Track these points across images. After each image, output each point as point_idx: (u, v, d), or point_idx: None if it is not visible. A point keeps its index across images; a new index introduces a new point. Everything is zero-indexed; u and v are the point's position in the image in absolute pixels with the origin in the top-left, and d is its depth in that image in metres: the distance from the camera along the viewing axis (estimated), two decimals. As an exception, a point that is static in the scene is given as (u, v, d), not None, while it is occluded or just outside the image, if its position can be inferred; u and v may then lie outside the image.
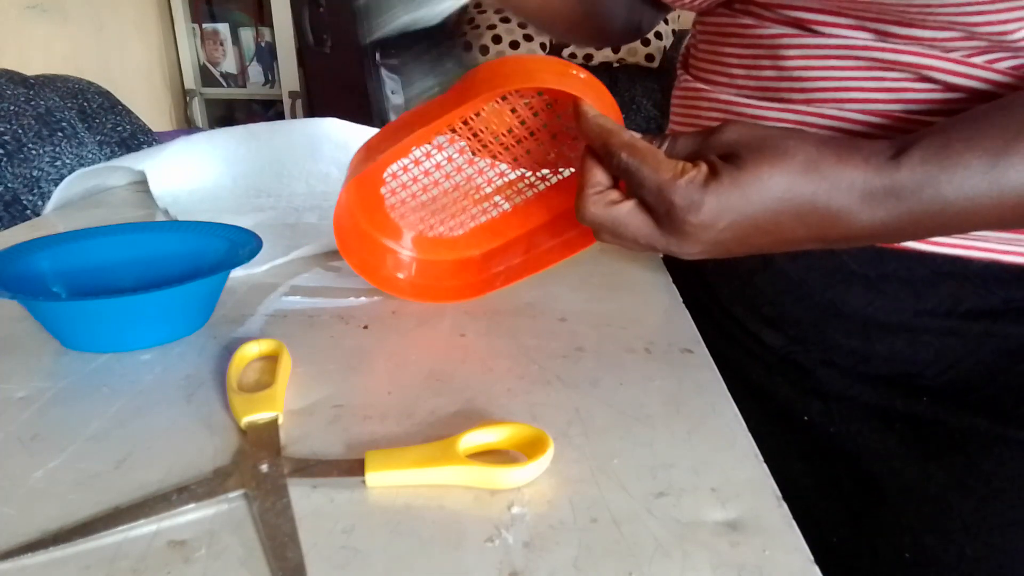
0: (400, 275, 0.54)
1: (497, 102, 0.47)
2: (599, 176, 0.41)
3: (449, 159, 0.51)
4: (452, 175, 0.52)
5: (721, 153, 0.39)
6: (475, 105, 0.46)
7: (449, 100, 0.44)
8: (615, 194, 0.40)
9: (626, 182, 0.40)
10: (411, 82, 0.58)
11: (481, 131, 0.48)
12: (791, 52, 0.49)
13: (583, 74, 0.43)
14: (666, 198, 0.38)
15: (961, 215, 0.38)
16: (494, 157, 0.50)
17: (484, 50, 3.07)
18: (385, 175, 0.52)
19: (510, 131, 0.48)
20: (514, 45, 3.06)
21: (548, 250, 0.52)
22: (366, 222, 0.53)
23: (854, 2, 0.44)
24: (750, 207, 0.38)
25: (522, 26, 2.70)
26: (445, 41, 0.58)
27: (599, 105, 0.42)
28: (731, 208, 0.38)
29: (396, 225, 0.54)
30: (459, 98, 0.44)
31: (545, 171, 0.52)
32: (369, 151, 0.47)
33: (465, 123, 0.48)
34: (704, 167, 0.38)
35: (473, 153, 0.50)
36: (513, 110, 0.47)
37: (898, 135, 0.46)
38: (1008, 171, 0.36)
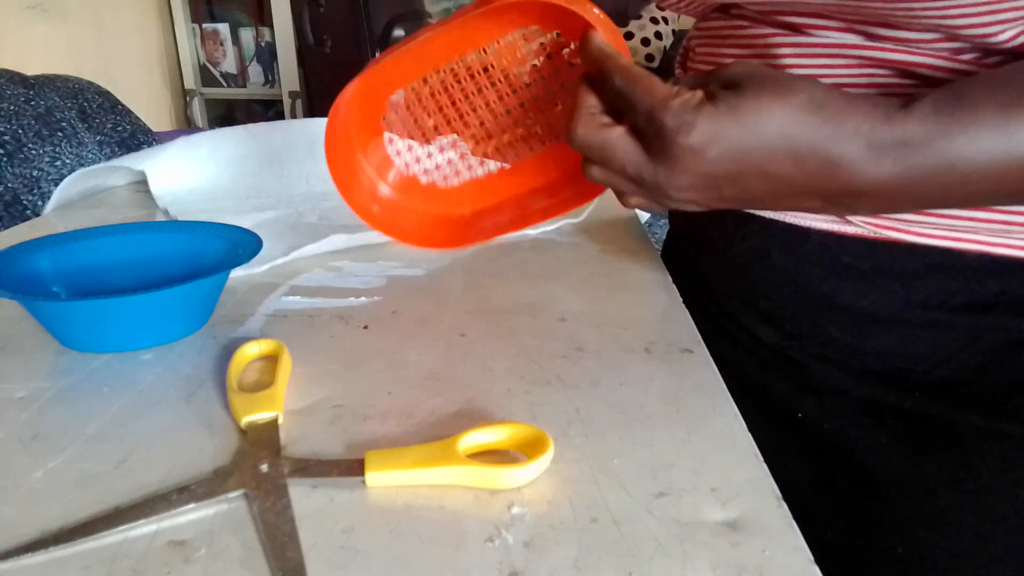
0: (374, 208, 0.53)
1: (514, 36, 0.46)
2: (592, 100, 0.39)
3: (453, 97, 0.50)
4: (453, 117, 0.50)
5: (724, 84, 0.37)
6: (500, 23, 0.45)
7: (470, 15, 0.43)
8: (607, 118, 0.39)
9: (620, 107, 0.38)
10: None
11: (492, 66, 0.47)
12: (783, 51, 0.49)
13: (603, 15, 0.41)
14: (657, 117, 0.36)
15: (970, 175, 0.36)
16: (500, 99, 0.49)
17: (484, 50, 3.06)
18: (392, 99, 0.50)
19: (521, 71, 0.47)
20: (514, 45, 3.06)
21: (541, 209, 0.50)
22: (359, 141, 0.52)
23: (841, 7, 0.45)
24: (745, 138, 0.35)
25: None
26: None
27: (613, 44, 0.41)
28: (724, 135, 0.35)
29: (388, 159, 0.53)
30: (483, 12, 0.42)
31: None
32: (380, 56, 0.46)
33: (481, 56, 0.47)
34: (700, 92, 0.36)
35: (479, 92, 0.49)
36: (527, 48, 0.46)
37: None
38: (1022, 128, 0.35)
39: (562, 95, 0.48)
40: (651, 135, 0.37)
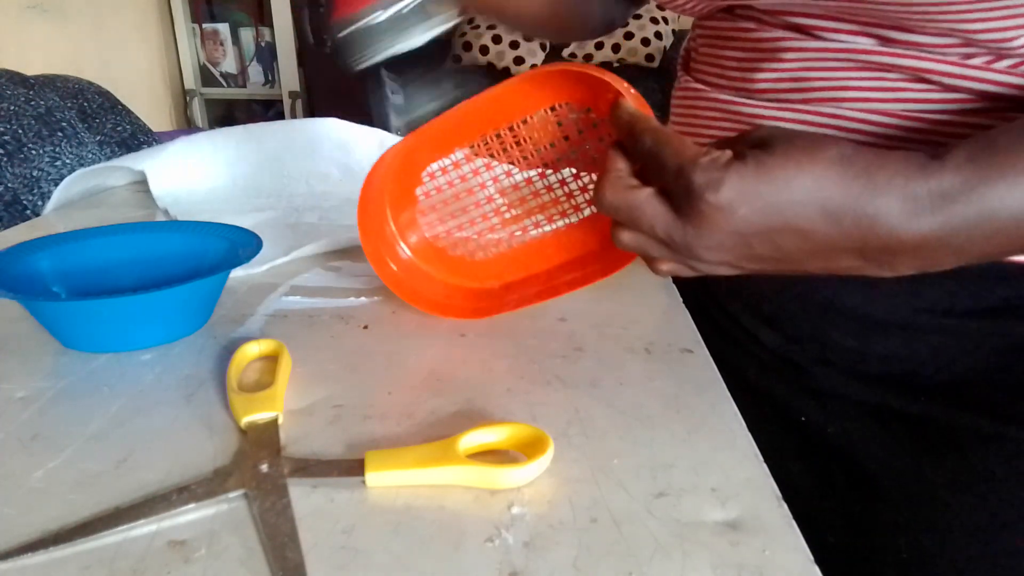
0: (395, 268, 0.53)
1: (547, 111, 0.47)
2: (621, 163, 0.39)
3: (487, 166, 0.51)
4: (487, 184, 0.51)
5: (752, 144, 0.36)
6: (532, 99, 0.46)
7: (508, 93, 0.45)
8: (635, 180, 0.38)
9: (649, 167, 0.38)
10: (412, 94, 0.58)
11: (525, 140, 0.48)
12: (789, 55, 0.49)
13: (634, 90, 0.43)
14: (686, 175, 0.35)
15: (1015, 223, 0.34)
16: (531, 169, 0.50)
17: (484, 50, 3.07)
18: (423, 174, 0.51)
19: (552, 145, 0.48)
20: (514, 45, 3.06)
21: (568, 281, 0.50)
22: (391, 205, 0.52)
23: (855, 9, 0.45)
24: (776, 194, 0.35)
25: (522, 26, 2.70)
26: (438, 56, 0.58)
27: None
28: (754, 192, 0.34)
29: (415, 224, 0.53)
30: (522, 92, 0.44)
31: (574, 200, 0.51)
32: (418, 130, 0.47)
33: (511, 129, 0.48)
34: (729, 151, 0.36)
35: (513, 163, 0.50)
36: (560, 123, 0.47)
37: (897, 132, 0.46)
38: None
39: (591, 169, 0.49)
40: (680, 194, 0.36)
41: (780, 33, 0.50)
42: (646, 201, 0.37)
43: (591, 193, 0.50)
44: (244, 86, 3.10)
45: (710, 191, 0.35)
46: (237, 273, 0.57)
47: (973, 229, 0.34)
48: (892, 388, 0.51)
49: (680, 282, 0.56)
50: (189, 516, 0.31)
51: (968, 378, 0.49)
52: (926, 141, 0.46)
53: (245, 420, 0.37)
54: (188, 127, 3.00)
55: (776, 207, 0.35)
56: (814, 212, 0.35)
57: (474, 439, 0.35)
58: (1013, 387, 0.48)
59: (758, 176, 0.34)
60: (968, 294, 0.48)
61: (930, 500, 0.47)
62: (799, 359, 0.54)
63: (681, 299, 0.54)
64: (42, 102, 1.48)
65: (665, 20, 3.03)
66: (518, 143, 0.49)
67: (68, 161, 1.44)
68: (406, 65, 0.56)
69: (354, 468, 0.33)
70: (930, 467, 0.48)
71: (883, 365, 0.51)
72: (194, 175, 0.82)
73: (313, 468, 0.34)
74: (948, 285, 0.48)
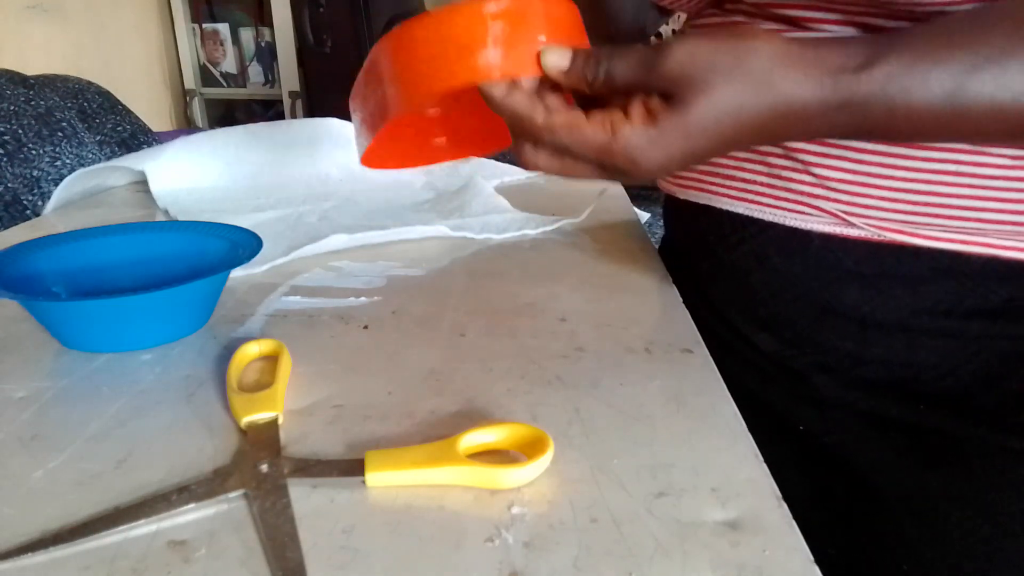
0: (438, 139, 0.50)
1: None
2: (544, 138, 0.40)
3: None
4: None
5: (663, 90, 0.37)
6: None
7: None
8: (557, 160, 0.40)
9: (567, 153, 0.39)
10: None
11: None
12: None
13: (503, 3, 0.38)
14: (609, 162, 0.38)
15: (911, 127, 0.38)
16: None
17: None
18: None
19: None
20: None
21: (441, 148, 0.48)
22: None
23: None
24: (699, 145, 0.37)
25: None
26: None
27: (541, 24, 0.39)
28: (680, 152, 0.37)
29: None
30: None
31: None
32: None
33: None
34: (639, 112, 0.37)
35: None
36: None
37: None
38: (967, 91, 0.36)
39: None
40: (609, 168, 0.39)
41: (770, 26, 0.49)
42: (577, 168, 0.40)
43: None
44: (244, 86, 3.10)
45: (638, 167, 0.37)
46: (237, 273, 0.57)
47: (871, 132, 0.39)
48: (892, 396, 0.51)
49: (676, 288, 0.56)
50: (189, 516, 0.31)
51: (972, 385, 0.48)
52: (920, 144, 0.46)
53: (245, 420, 0.37)
54: (188, 127, 3.00)
55: (703, 150, 0.38)
56: (740, 136, 0.38)
57: (474, 439, 0.35)
58: (1016, 396, 0.47)
59: (680, 139, 0.37)
60: (969, 294, 0.47)
61: (932, 512, 0.47)
62: (797, 366, 0.53)
63: (681, 299, 0.54)
64: (42, 102, 1.48)
65: (666, 20, 3.02)
66: None
67: (68, 161, 1.44)
68: None
69: (354, 468, 0.33)
70: (932, 478, 0.47)
71: (882, 370, 0.51)
72: (194, 175, 0.82)
73: (313, 468, 0.34)
74: (949, 285, 0.48)
